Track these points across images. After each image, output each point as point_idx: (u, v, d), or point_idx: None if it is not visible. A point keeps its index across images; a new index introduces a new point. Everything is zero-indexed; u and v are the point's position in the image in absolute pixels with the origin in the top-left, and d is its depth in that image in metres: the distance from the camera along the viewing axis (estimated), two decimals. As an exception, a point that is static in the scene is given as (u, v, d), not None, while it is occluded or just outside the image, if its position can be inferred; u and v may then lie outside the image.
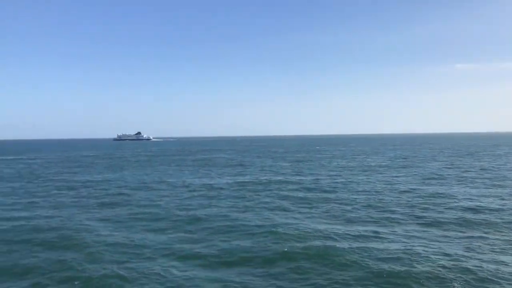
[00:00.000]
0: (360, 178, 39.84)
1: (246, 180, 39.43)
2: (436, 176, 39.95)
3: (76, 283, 12.78)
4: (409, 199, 26.71)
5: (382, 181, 37.16)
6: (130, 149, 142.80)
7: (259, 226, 19.62)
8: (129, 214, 23.58)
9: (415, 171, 45.38)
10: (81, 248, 16.36)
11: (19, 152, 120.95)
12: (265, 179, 39.71)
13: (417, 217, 21.34)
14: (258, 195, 29.87)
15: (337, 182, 36.53)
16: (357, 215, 22.12)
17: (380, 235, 17.73)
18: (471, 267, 13.40)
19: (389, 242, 16.69)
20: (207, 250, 16.00)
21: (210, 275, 13.35)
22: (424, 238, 17.24)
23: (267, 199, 27.90)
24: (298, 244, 16.32)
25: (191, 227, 20.04)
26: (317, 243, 16.48)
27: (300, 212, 23.29)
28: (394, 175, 42.17)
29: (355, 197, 28.08)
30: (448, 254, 14.88)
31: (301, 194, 29.82)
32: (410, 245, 16.04)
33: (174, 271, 13.71)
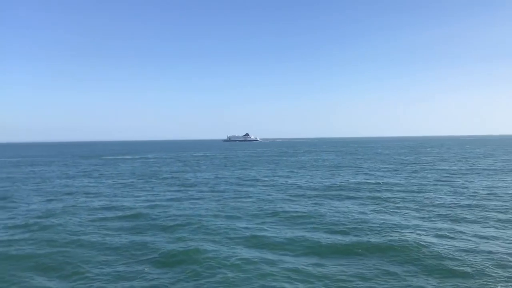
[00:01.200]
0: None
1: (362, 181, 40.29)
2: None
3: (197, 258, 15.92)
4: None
5: None
6: (239, 149, 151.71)
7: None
8: (234, 207, 26.84)
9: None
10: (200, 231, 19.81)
11: (145, 152, 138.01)
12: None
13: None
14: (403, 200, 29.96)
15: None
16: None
17: None
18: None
19: None
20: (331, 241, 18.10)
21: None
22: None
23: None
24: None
25: (289, 222, 22.33)
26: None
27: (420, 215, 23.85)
28: None
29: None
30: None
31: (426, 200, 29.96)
32: None
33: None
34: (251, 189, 36.29)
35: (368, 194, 31.84)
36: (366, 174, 48.28)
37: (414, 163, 64.15)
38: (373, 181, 39.99)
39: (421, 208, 25.64)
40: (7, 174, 56.98)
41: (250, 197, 31.36)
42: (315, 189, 35.23)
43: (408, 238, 17.78)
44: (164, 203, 28.98)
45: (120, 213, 25.31)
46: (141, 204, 28.49)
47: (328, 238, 18.52)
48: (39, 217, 24.24)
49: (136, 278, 13.90)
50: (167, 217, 23.78)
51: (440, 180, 40.07)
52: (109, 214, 25.32)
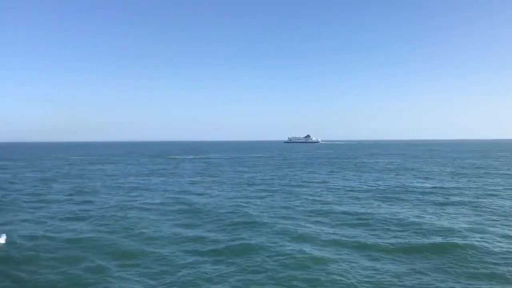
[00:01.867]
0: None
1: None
2: None
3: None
4: None
5: None
6: (300, 151, 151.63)
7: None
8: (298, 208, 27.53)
9: None
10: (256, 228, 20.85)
11: (208, 152, 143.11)
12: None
13: None
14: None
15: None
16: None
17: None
18: None
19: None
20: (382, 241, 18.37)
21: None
22: None
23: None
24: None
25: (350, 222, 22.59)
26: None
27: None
28: None
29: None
30: None
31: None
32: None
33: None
34: (305, 189, 36.70)
35: (427, 197, 30.90)
36: (427, 178, 46.34)
37: (481, 168, 60.13)
38: (434, 185, 38.46)
39: (482, 213, 24.46)
40: (87, 171, 62.55)
41: (305, 197, 31.92)
42: (370, 191, 34.75)
43: (464, 242, 17.39)
44: (226, 201, 30.52)
45: (185, 207, 27.47)
46: (205, 201, 30.31)
47: (384, 239, 18.53)
48: (115, 210, 26.86)
49: (199, 271, 14.92)
50: (228, 213, 25.32)
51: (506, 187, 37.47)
52: (175, 208, 27.42)
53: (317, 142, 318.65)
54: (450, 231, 19.81)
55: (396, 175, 50.12)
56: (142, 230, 20.83)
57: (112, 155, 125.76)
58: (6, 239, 18.58)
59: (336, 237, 19.14)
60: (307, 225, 21.85)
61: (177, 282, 13.71)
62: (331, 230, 20.55)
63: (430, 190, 35.21)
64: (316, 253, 16.49)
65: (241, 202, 29.55)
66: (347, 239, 18.68)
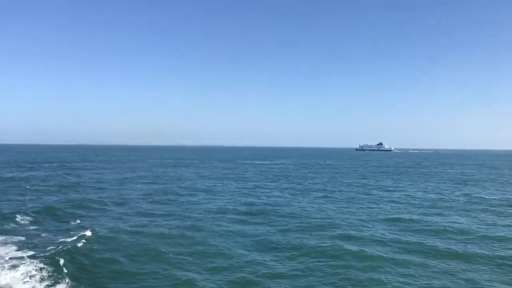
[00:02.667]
0: None
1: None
2: None
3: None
4: None
5: None
6: (372, 159, 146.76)
7: None
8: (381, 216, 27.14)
9: None
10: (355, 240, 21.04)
11: (277, 158, 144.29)
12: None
13: None
14: None
15: None
16: None
17: None
18: None
19: None
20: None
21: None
22: None
23: None
24: None
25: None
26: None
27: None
28: None
29: None
30: None
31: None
32: None
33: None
34: (381, 197, 35.70)
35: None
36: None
37: None
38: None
39: None
40: (162, 173, 66.55)
41: (383, 205, 31.25)
42: (434, 201, 32.89)
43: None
44: (294, 204, 30.94)
45: (256, 209, 28.31)
46: (276, 203, 31.02)
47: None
48: (191, 210, 28.64)
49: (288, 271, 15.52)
50: (301, 216, 25.97)
51: None
52: (244, 209, 28.53)
53: (390, 150, 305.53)
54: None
55: (466, 185, 46.56)
56: (214, 229, 22.13)
57: (186, 158, 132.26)
58: (92, 233, 20.73)
59: (416, 247, 18.87)
60: (386, 234, 21.57)
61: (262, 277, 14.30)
62: (414, 239, 20.24)
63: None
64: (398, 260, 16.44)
65: (310, 206, 29.71)
66: (417, 245, 18.24)
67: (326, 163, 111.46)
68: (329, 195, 38.32)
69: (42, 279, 14.30)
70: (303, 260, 16.76)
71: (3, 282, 13.91)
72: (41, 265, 15.50)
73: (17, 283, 13.91)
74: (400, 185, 49.11)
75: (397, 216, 26.91)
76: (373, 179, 57.77)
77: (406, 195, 38.70)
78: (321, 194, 38.53)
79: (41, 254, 16.85)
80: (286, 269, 15.57)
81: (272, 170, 76.63)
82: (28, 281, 14.08)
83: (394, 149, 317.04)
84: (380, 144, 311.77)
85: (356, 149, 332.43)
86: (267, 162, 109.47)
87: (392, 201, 34.27)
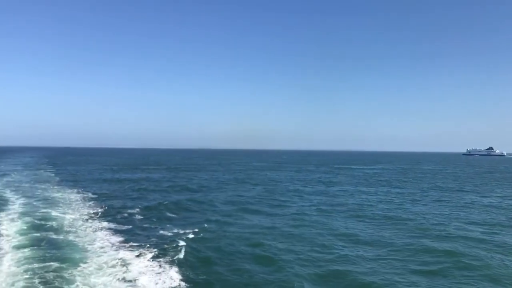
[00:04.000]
0: None
1: None
2: None
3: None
4: None
5: None
6: (481, 165, 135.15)
7: None
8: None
9: None
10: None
11: (376, 163, 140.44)
12: None
13: None
14: None
15: None
16: None
17: None
18: None
19: None
20: None
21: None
22: None
23: None
24: None
25: None
26: None
27: None
28: None
29: None
30: None
31: None
32: None
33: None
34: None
35: None
36: None
37: None
38: None
39: None
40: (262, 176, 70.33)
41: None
42: None
43: None
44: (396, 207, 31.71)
45: (346, 208, 29.72)
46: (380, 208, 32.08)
47: None
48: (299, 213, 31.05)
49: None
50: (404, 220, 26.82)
51: None
52: (345, 210, 30.07)
53: (502, 155, 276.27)
54: None
55: None
56: (329, 230, 23.80)
57: (284, 161, 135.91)
58: (195, 235, 21.44)
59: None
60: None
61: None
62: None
63: None
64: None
65: (417, 211, 30.18)
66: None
67: (429, 168, 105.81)
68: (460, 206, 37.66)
69: (159, 272, 15.42)
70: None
71: (134, 270, 15.48)
72: (159, 258, 16.89)
73: (144, 273, 15.23)
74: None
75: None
76: (489, 186, 54.41)
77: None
78: (432, 200, 38.11)
79: (158, 248, 18.47)
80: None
81: (376, 176, 75.67)
82: (151, 270, 15.49)
83: (506, 154, 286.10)
84: (490, 148, 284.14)
85: (464, 154, 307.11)
86: (368, 167, 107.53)
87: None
